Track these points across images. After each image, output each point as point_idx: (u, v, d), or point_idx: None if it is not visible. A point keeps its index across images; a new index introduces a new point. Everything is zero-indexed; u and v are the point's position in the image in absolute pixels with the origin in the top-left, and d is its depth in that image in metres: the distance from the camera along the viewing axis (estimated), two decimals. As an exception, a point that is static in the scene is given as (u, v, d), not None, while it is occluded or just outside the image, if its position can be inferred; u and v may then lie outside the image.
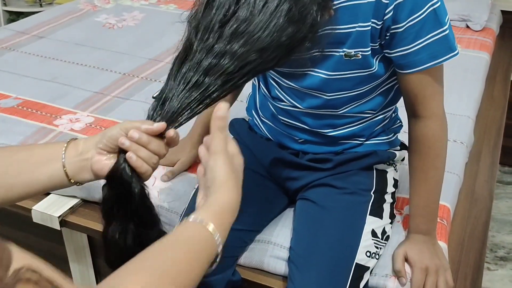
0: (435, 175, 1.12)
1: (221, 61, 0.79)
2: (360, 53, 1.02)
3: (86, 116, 1.66)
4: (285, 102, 1.17)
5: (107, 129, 0.83)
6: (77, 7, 2.58)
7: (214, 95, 0.82)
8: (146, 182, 0.84)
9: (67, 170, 0.80)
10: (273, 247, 1.22)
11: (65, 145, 0.82)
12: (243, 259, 1.23)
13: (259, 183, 1.26)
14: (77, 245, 1.51)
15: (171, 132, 0.82)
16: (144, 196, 0.83)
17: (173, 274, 0.65)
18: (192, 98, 0.82)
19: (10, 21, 3.46)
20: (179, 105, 0.82)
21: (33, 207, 1.40)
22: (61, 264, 1.59)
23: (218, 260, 0.74)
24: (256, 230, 1.25)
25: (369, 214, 1.14)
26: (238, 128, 1.33)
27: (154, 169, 0.81)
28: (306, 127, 1.17)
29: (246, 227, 1.22)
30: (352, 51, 1.03)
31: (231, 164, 0.77)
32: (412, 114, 1.10)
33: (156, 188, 1.37)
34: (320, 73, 1.07)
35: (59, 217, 1.40)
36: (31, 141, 1.54)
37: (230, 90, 0.83)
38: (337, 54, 1.04)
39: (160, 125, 0.80)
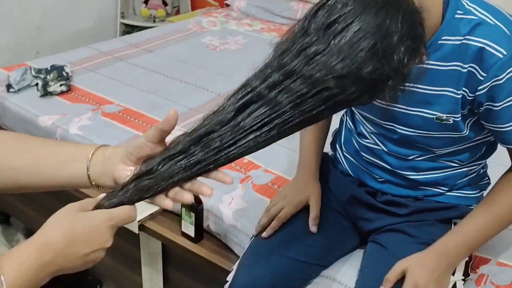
0: (504, 215, 1.07)
1: (289, 81, 0.77)
2: (452, 118, 1.03)
3: (177, 130, 1.73)
4: (369, 139, 1.18)
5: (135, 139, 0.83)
6: (186, 27, 2.73)
7: (287, 117, 0.76)
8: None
9: (90, 172, 0.81)
10: (338, 285, 1.21)
11: (95, 148, 0.83)
12: (305, 292, 1.23)
13: (333, 219, 1.26)
14: (151, 250, 1.59)
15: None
16: None
17: None
18: (261, 113, 0.77)
19: (125, 33, 3.73)
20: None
21: (117, 208, 1.50)
22: (134, 265, 1.67)
23: None
24: (323, 265, 1.25)
25: (440, 268, 1.10)
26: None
27: None
28: (388, 167, 1.17)
29: (313, 260, 1.22)
30: (444, 116, 1.03)
31: (69, 210, 0.73)
32: None
33: (232, 208, 1.41)
34: (406, 130, 1.08)
35: (138, 221, 1.48)
36: (125, 146, 1.64)
37: (308, 116, 0.77)
38: (426, 115, 1.04)
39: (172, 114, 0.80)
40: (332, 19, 0.77)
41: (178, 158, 0.78)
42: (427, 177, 1.16)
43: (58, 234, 0.70)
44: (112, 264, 1.78)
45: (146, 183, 0.77)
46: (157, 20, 3.66)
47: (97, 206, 0.76)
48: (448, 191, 1.18)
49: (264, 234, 1.22)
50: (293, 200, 1.24)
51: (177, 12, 3.87)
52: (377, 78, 0.77)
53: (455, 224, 1.17)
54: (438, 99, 1.02)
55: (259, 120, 0.76)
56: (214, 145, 0.76)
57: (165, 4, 3.75)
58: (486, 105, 0.99)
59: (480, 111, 1.01)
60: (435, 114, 1.03)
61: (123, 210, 0.76)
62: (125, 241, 1.67)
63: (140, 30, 3.47)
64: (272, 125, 0.76)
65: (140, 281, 1.67)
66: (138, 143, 0.80)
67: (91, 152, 0.82)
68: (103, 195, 0.79)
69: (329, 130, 1.36)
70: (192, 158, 0.77)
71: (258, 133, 0.76)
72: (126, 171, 0.79)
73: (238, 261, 1.24)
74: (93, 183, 0.82)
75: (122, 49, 2.38)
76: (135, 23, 3.69)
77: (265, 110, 0.76)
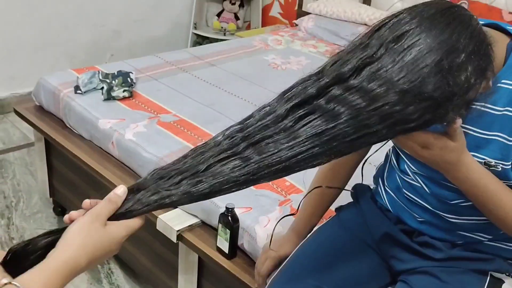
0: None
1: (348, 94, 0.73)
2: (501, 165, 0.98)
3: (227, 146, 1.78)
4: (411, 177, 1.15)
5: None
6: (251, 43, 2.78)
7: (343, 130, 0.73)
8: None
9: None
10: (362, 321, 1.19)
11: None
12: (329, 324, 1.22)
13: (365, 254, 1.25)
14: (188, 260, 1.63)
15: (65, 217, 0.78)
16: None
17: None
18: (317, 122, 0.74)
19: (195, 43, 3.85)
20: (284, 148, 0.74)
21: (159, 216, 1.55)
22: (172, 271, 1.72)
23: None
24: (350, 299, 1.23)
25: (466, 321, 1.06)
26: (359, 194, 1.33)
27: None
28: (429, 207, 1.14)
29: (341, 293, 1.21)
30: (493, 162, 0.99)
31: (93, 228, 0.73)
32: None
33: (267, 230, 1.42)
34: None
35: (177, 231, 1.53)
36: (175, 156, 1.69)
37: (365, 133, 0.73)
38: (475, 159, 0.99)
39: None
40: (397, 35, 0.77)
41: (231, 158, 0.76)
42: (469, 223, 1.12)
43: (82, 258, 0.71)
44: (152, 268, 1.84)
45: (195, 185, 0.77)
46: (227, 33, 3.75)
47: (117, 216, 0.78)
48: (490, 240, 1.13)
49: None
50: (273, 254, 1.31)
51: (248, 27, 3.95)
52: (440, 96, 0.74)
53: (491, 276, 1.13)
54: (488, 144, 0.99)
55: (314, 130, 0.74)
56: (268, 150, 0.75)
57: (237, 18, 3.84)
58: None
59: None
60: (483, 159, 1.00)
61: (137, 222, 0.80)
62: (166, 248, 1.72)
63: (211, 42, 3.58)
64: (327, 137, 0.74)
65: (175, 287, 1.72)
66: None
67: None
68: (118, 196, 0.79)
69: (376, 161, 1.35)
70: (249, 161, 0.75)
71: (313, 143, 0.74)
72: None
73: (269, 282, 1.25)
74: None
75: (186, 61, 2.46)
76: (206, 35, 3.80)
77: (321, 120, 0.74)
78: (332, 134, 0.73)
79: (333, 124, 0.73)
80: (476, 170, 0.94)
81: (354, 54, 0.77)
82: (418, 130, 0.79)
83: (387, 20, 0.80)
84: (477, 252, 1.14)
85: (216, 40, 3.55)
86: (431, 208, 1.14)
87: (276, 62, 2.57)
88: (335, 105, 0.74)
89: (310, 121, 0.75)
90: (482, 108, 0.96)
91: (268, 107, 0.78)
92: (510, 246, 1.14)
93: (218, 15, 3.85)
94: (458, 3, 0.85)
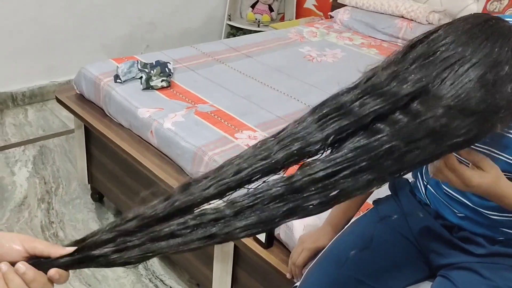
0: None
1: (391, 111, 0.71)
2: None
3: (263, 136, 1.80)
4: None
5: (6, 235, 0.71)
6: (287, 35, 2.78)
7: (388, 148, 0.69)
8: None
9: None
10: (400, 313, 1.20)
11: None
12: (366, 315, 1.23)
13: (403, 247, 1.25)
14: (224, 249, 1.65)
15: (52, 272, 0.69)
16: None
17: None
18: (360, 142, 0.70)
19: (229, 34, 3.87)
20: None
21: (197, 204, 1.57)
22: (207, 260, 1.75)
23: None
24: (386, 291, 1.24)
25: (509, 316, 1.06)
26: (397, 187, 1.33)
27: None
28: (469, 203, 1.13)
29: (380, 286, 1.21)
30: None
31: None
32: None
33: (304, 221, 1.44)
34: None
35: (215, 219, 1.55)
36: (212, 146, 1.72)
37: (411, 148, 0.70)
38: (509, 160, 0.99)
39: (67, 251, 0.70)
40: (433, 50, 0.76)
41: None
42: (510, 220, 1.11)
43: None
44: (188, 256, 1.87)
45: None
46: (261, 25, 3.76)
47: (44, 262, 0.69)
48: (532, 237, 1.12)
49: (295, 280, 1.35)
50: (309, 245, 1.34)
51: (282, 19, 3.95)
52: (486, 110, 0.73)
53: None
54: None
55: (356, 144, 0.70)
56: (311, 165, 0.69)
57: (271, 10, 3.84)
58: None
59: None
60: None
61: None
62: (202, 236, 1.75)
63: (244, 33, 3.60)
64: (372, 152, 0.69)
65: (210, 276, 1.75)
66: (14, 247, 0.70)
67: None
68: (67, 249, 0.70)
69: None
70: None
71: (356, 158, 0.69)
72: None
73: (305, 273, 1.26)
74: None
75: (223, 52, 2.48)
76: (240, 26, 3.81)
77: (362, 136, 0.71)
78: (376, 148, 0.69)
79: (376, 138, 0.70)
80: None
81: (390, 70, 0.76)
82: (468, 146, 0.78)
83: (422, 37, 0.80)
84: (519, 249, 1.13)
85: (250, 32, 3.56)
86: (471, 205, 1.13)
87: (312, 55, 2.56)
88: (375, 122, 0.71)
89: (350, 138, 0.71)
90: None
91: (302, 123, 0.74)
92: (552, 244, 1.13)
93: (252, 6, 3.85)
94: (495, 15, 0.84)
